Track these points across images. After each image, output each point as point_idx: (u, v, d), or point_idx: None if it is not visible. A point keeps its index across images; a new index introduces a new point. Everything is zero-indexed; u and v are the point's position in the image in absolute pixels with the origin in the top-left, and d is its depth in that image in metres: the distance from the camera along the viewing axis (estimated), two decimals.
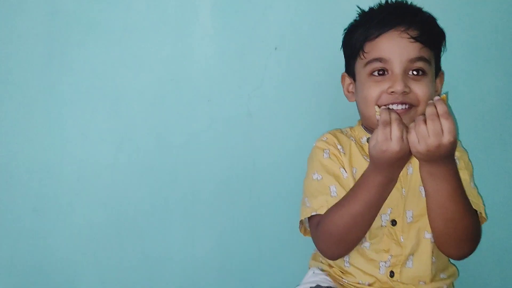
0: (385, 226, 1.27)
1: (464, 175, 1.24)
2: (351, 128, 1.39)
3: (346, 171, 1.30)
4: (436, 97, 1.10)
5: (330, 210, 1.23)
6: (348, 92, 1.37)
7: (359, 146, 1.33)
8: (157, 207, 1.54)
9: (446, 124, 1.07)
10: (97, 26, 1.49)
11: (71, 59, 1.49)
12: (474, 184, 1.31)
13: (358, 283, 1.29)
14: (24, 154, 1.49)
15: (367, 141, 1.30)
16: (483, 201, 1.28)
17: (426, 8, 1.34)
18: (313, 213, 1.27)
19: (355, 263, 1.29)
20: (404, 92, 1.23)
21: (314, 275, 1.34)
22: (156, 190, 1.53)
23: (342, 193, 1.25)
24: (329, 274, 1.34)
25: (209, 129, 1.54)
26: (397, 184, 1.24)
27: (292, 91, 1.52)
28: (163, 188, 1.53)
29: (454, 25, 1.47)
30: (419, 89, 1.25)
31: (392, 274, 1.28)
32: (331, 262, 1.33)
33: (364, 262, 1.29)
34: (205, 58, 1.52)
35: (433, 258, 1.28)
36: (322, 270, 1.35)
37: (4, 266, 1.48)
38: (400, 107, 1.24)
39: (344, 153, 1.32)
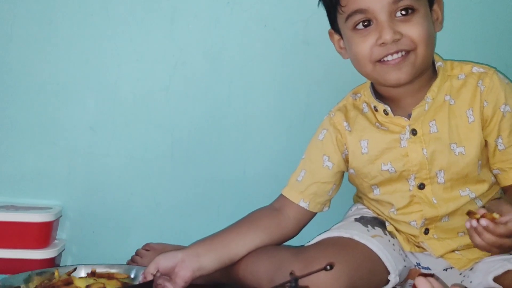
0: (412, 190, 1.23)
1: None
2: (365, 88, 1.30)
3: (330, 159, 1.28)
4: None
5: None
6: (341, 48, 1.27)
7: (365, 115, 1.27)
8: (210, 130, 1.55)
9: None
10: None
11: None
12: None
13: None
14: (80, 74, 1.51)
15: (375, 109, 1.25)
16: None
17: None
18: (282, 192, 1.32)
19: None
20: (395, 39, 1.13)
21: (358, 210, 1.34)
22: (209, 114, 1.54)
23: (308, 181, 1.29)
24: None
25: (264, 55, 1.52)
26: (417, 145, 1.20)
27: None
28: (216, 112, 1.54)
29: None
30: (412, 30, 1.14)
31: (426, 231, 1.24)
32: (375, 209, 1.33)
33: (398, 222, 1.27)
34: None
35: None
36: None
37: (62, 182, 1.53)
38: (396, 56, 1.15)
39: (350, 130, 1.27)
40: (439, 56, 1.27)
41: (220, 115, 1.54)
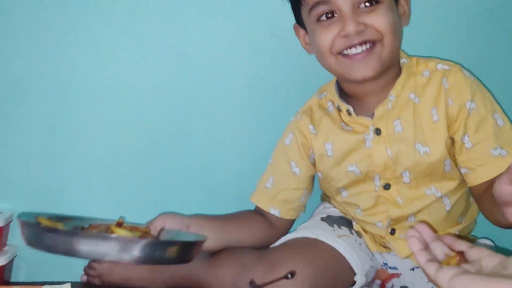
0: (377, 191, 1.19)
1: (488, 121, 1.12)
2: (330, 85, 1.25)
3: (297, 165, 1.26)
4: None
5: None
6: (306, 44, 1.24)
7: (330, 116, 1.22)
8: (174, 128, 1.48)
9: None
10: None
11: None
12: (503, 119, 1.15)
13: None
14: (35, 72, 1.43)
15: (339, 109, 1.21)
16: None
17: None
18: (251, 198, 1.31)
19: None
20: (359, 31, 1.09)
21: (325, 208, 1.29)
22: (174, 111, 1.47)
23: (277, 188, 1.26)
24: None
25: (229, 50, 1.45)
26: (380, 146, 1.16)
27: None
28: (181, 109, 1.47)
29: None
30: (377, 20, 1.09)
31: (393, 231, 1.21)
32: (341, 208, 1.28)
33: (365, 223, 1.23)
34: None
35: (447, 207, 1.18)
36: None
37: (19, 184, 1.45)
38: (360, 49, 1.11)
39: (316, 133, 1.23)
40: (405, 52, 1.23)
41: (185, 113, 1.47)
